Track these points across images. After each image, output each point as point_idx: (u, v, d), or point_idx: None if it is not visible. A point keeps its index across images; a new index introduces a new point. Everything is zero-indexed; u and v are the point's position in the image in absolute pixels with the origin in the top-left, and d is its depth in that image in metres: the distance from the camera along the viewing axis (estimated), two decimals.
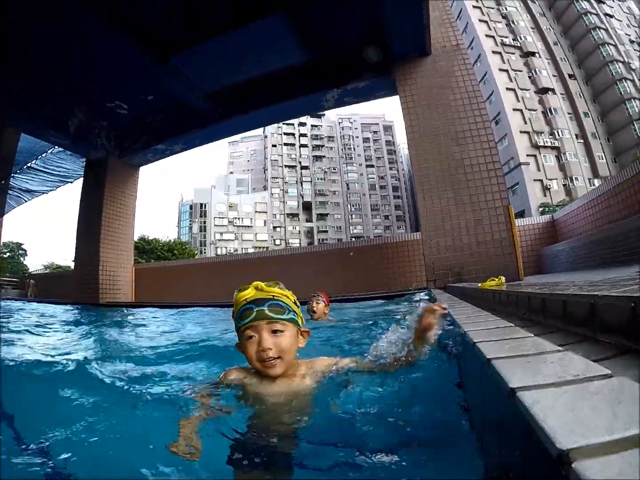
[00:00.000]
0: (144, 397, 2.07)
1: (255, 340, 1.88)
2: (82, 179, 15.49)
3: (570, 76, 58.31)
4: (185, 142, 14.41)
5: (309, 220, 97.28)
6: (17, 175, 18.08)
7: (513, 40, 57.54)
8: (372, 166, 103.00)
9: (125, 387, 2.26)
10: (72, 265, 15.71)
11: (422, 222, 9.46)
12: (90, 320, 8.70)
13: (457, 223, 9.11)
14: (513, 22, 58.78)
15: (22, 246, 63.80)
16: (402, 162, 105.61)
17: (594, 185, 48.09)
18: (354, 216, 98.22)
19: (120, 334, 5.76)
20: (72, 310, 11.62)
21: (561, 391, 0.75)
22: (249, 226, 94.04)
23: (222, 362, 2.75)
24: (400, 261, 13.04)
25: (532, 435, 0.63)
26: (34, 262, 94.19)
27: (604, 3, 62.26)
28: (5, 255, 54.39)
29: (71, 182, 19.15)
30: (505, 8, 59.60)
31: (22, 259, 63.68)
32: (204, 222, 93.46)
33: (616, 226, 7.70)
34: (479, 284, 5.41)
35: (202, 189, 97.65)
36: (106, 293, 13.96)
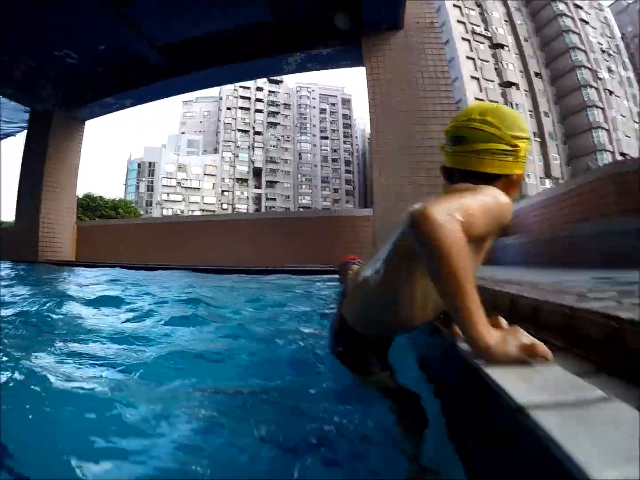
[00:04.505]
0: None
1: None
2: (25, 131, 14.73)
3: (536, 74, 59.45)
4: (135, 97, 13.77)
5: (257, 186, 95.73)
6: None
7: (484, 30, 57.77)
8: (327, 138, 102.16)
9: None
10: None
11: (375, 199, 9.20)
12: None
13: (411, 204, 8.93)
14: (487, 11, 58.90)
15: None
16: (357, 137, 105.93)
17: (544, 184, 49.97)
18: (303, 186, 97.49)
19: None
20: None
21: None
22: (197, 188, 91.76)
23: None
24: (347, 236, 12.50)
25: None
26: None
27: (581, 8, 63.35)
28: None
29: (14, 136, 18.34)
30: None
31: None
32: (152, 182, 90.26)
33: (565, 229, 7.74)
34: None
35: (152, 147, 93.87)
36: (46, 251, 13.38)
